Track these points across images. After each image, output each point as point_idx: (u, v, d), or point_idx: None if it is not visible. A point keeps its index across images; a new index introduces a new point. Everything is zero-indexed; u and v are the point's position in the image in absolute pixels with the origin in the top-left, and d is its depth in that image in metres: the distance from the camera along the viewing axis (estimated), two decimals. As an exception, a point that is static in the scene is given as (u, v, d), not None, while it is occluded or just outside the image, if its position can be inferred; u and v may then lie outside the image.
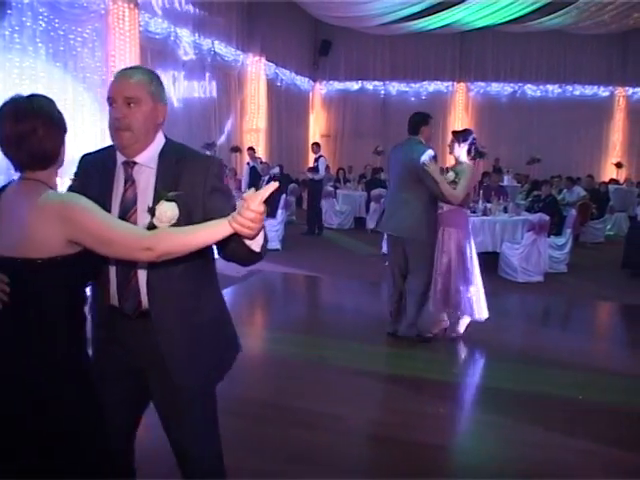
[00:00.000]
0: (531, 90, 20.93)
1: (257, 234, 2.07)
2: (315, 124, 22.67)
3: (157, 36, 12.79)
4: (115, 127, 2.28)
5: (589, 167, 19.35)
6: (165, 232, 2.13)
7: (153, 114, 2.32)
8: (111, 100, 2.28)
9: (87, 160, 2.50)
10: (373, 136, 20.13)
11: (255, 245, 2.17)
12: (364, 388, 5.18)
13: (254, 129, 17.29)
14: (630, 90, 20.69)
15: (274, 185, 1.97)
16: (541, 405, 4.94)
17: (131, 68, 2.43)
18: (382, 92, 21.94)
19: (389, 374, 5.67)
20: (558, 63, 20.23)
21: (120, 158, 2.36)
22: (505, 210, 10.43)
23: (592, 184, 15.47)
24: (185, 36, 13.88)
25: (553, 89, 20.84)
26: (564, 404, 4.97)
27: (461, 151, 6.00)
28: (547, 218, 9.89)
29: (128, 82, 2.28)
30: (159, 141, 2.39)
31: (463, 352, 6.16)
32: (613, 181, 18.83)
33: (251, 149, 14.39)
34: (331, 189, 15.07)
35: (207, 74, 14.99)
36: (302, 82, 21.33)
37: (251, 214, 1.93)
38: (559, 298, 9.08)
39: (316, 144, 14.48)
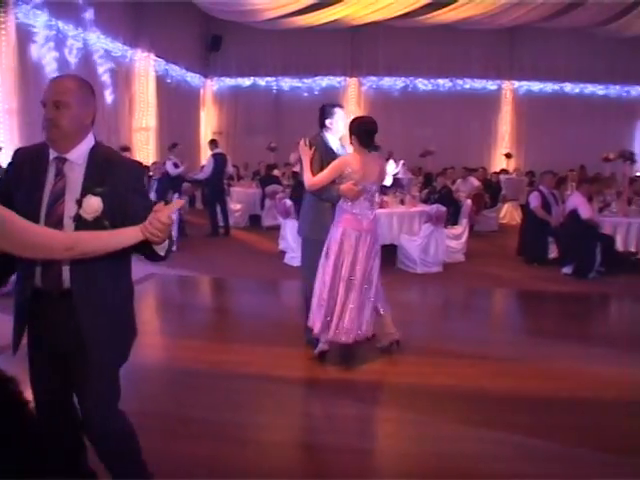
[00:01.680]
0: (422, 84, 21.22)
1: (163, 241, 2.46)
2: (207, 121, 22.23)
3: (34, 29, 12.09)
4: (45, 126, 2.61)
5: (480, 158, 19.82)
6: (84, 234, 2.49)
7: (80, 117, 2.66)
8: (43, 103, 2.62)
9: (21, 153, 2.78)
10: (266, 132, 19.87)
11: (161, 249, 2.57)
12: (273, 394, 4.92)
13: (144, 127, 16.72)
14: (517, 84, 21.36)
15: (181, 202, 2.55)
16: (451, 398, 4.87)
17: (62, 76, 2.88)
18: (275, 88, 21.74)
19: (297, 377, 5.40)
20: (448, 57, 20.56)
21: (52, 154, 2.66)
22: (402, 202, 10.42)
23: (485, 175, 15.81)
24: (69, 30, 13.22)
25: (444, 83, 21.21)
26: (473, 395, 4.93)
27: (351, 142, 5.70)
28: (443, 209, 9.96)
29: (57, 88, 2.64)
30: (89, 141, 2.71)
31: (370, 349, 5.92)
32: (504, 171, 19.43)
33: (125, 149, 13.61)
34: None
35: (94, 70, 14.33)
36: (193, 78, 20.85)
37: (159, 225, 2.33)
38: (459, 287, 9.15)
39: (212, 141, 14.02)
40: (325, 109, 5.90)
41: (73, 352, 2.69)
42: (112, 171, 2.64)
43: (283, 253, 10.35)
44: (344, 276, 5.35)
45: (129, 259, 2.82)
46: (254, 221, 14.49)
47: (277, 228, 11.17)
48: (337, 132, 5.86)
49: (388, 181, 5.84)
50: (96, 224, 2.53)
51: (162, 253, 2.58)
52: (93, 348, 2.66)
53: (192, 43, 20.52)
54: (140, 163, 3.01)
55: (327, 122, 5.82)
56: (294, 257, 9.75)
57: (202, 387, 5.01)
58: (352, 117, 5.68)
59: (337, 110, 5.84)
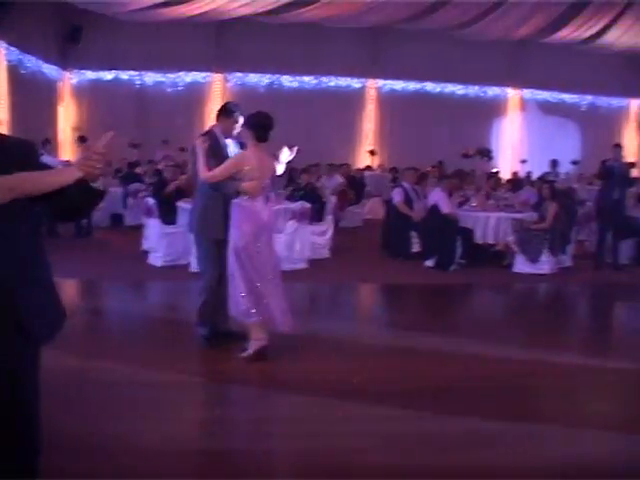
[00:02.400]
0: (288, 81, 21.21)
1: (101, 174, 2.51)
2: (66, 116, 21.26)
3: None
4: None
5: (345, 155, 20.04)
6: (23, 174, 2.40)
7: None
8: None
9: None
10: (129, 128, 19.22)
11: (99, 185, 2.56)
12: (153, 401, 4.70)
13: (-6, 120, 15.75)
14: (380, 82, 21.71)
15: (111, 134, 2.50)
16: (324, 394, 4.87)
17: None
18: (137, 82, 21.07)
19: (173, 381, 5.14)
20: (314, 55, 20.61)
21: None
22: (267, 200, 10.32)
23: (349, 171, 16.00)
24: None
25: (309, 80, 21.28)
26: (344, 390, 4.94)
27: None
28: (308, 206, 9.97)
29: None
30: None
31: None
32: (368, 168, 19.75)
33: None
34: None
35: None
36: (50, 70, 19.84)
37: (96, 156, 2.42)
38: (324, 283, 9.18)
39: (81, 138, 13.31)
40: (227, 107, 5.90)
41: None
42: (14, 152, 2.51)
43: (147, 253, 10.01)
44: (258, 273, 5.34)
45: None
46: (116, 220, 13.93)
47: (140, 227, 10.79)
48: (228, 132, 5.82)
49: (280, 169, 5.79)
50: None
51: (102, 188, 2.60)
52: (27, 323, 2.53)
53: (49, 32, 19.47)
54: (31, 141, 2.79)
55: (224, 120, 5.81)
56: (158, 257, 9.48)
57: (74, 397, 4.70)
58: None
59: (237, 114, 5.78)
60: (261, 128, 5.46)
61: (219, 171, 5.39)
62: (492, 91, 22.67)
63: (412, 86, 21.80)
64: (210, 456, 3.97)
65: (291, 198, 10.93)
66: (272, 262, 5.51)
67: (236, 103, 6.02)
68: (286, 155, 5.73)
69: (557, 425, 4.48)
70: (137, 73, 20.95)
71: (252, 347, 5.48)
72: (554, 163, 17.06)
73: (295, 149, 5.79)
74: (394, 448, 4.06)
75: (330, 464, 3.81)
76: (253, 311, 5.33)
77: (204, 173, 5.43)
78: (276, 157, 5.71)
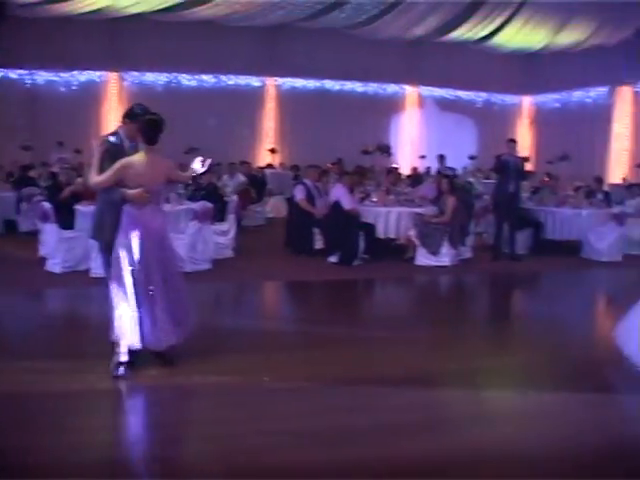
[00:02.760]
0: (186, 80, 20.90)
1: None
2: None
3: None
4: None
5: (246, 154, 19.92)
6: None
7: None
8: None
9: None
10: (20, 130, 18.48)
11: None
12: (57, 411, 4.49)
13: None
14: (280, 80, 21.70)
15: None
16: (231, 393, 4.86)
17: None
18: (29, 82, 20.27)
19: (76, 391, 4.89)
20: (212, 53, 20.33)
21: None
22: (167, 201, 10.09)
23: (250, 170, 15.91)
24: None
25: (208, 79, 21.05)
26: (251, 388, 4.94)
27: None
28: (210, 205, 9.84)
29: None
30: None
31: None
32: (269, 166, 19.70)
33: None
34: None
35: None
36: None
37: None
38: (229, 283, 9.09)
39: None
40: (132, 110, 5.55)
41: None
42: None
43: (44, 260, 9.59)
44: (143, 281, 5.08)
45: None
46: (9, 227, 13.29)
47: (36, 233, 10.34)
48: (132, 136, 5.46)
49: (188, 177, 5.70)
50: None
51: None
52: None
53: None
54: None
55: (128, 123, 5.50)
56: (56, 263, 9.13)
57: None
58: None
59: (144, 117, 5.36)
60: (150, 130, 5.18)
61: (105, 176, 5.11)
62: (391, 88, 23.08)
63: (312, 84, 21.93)
64: (119, 464, 3.84)
65: (192, 198, 10.75)
66: (162, 271, 5.19)
67: (144, 106, 5.57)
68: (198, 165, 5.58)
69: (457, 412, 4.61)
70: (27, 72, 20.11)
71: (117, 360, 5.10)
72: (441, 158, 17.40)
73: (208, 162, 5.64)
74: (306, 444, 4.05)
75: (242, 464, 3.76)
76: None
77: (92, 178, 5.18)
78: (186, 166, 5.56)
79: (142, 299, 5.09)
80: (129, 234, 5.13)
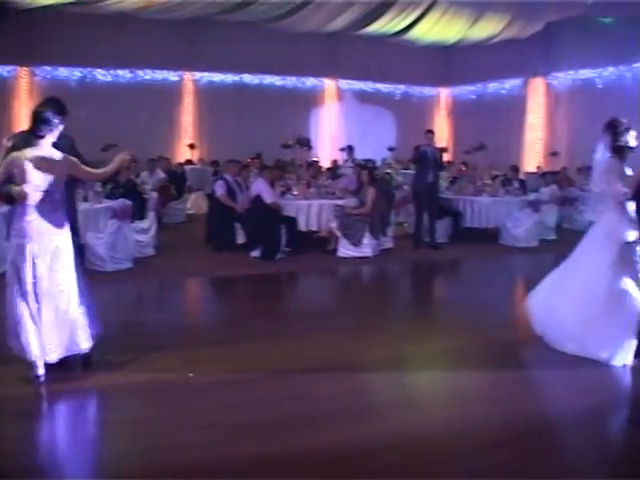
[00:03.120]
0: (101, 75, 20.41)
1: None
2: None
3: None
4: None
5: (165, 150, 19.59)
6: None
7: None
8: None
9: None
10: None
11: None
12: None
13: None
14: (197, 74, 21.43)
15: None
16: (156, 391, 4.81)
17: None
18: None
19: None
20: (128, 47, 19.86)
21: None
22: (85, 199, 9.86)
23: (169, 166, 15.68)
24: None
25: (124, 74, 20.60)
26: (178, 385, 4.91)
27: None
28: (129, 203, 9.66)
29: None
30: None
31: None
32: (188, 162, 19.45)
33: None
34: None
35: None
36: None
37: None
38: (151, 281, 8.95)
39: None
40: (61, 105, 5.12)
41: None
42: None
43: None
44: (29, 289, 4.79)
45: None
46: None
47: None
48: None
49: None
50: None
51: None
52: None
53: None
54: None
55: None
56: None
57: None
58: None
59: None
60: (32, 121, 4.86)
61: None
62: (310, 82, 23.10)
63: (230, 78, 21.72)
64: (41, 466, 3.75)
65: (111, 196, 10.51)
66: (52, 276, 4.86)
67: (62, 102, 5.12)
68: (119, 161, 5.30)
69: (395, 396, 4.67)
70: None
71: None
72: (350, 149, 17.42)
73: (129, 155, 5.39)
74: (235, 438, 4.05)
75: (170, 462, 3.73)
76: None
77: None
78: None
79: (33, 307, 4.82)
80: (12, 237, 4.90)
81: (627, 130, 5.57)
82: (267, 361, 5.44)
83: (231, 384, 4.94)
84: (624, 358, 5.35)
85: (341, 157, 19.78)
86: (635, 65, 18.59)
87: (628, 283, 5.42)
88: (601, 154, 5.65)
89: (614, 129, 5.59)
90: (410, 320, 7.23)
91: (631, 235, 5.48)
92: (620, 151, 5.55)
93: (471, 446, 3.98)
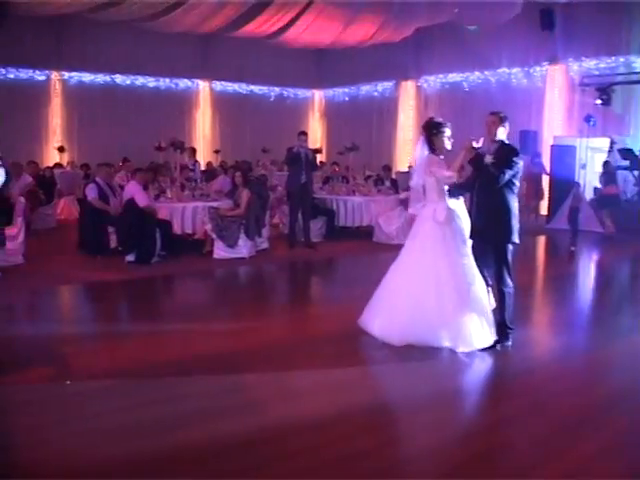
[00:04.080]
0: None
1: None
2: None
3: None
4: None
5: (32, 153, 18.88)
6: None
7: None
8: None
9: None
10: None
11: None
12: None
13: None
14: (66, 74, 20.75)
15: None
16: (39, 400, 4.70)
17: None
18: None
19: None
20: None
21: None
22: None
23: (37, 170, 15.12)
24: None
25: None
26: (57, 394, 4.81)
27: None
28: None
29: None
30: None
31: None
32: (58, 165, 18.79)
33: None
34: None
35: None
36: None
37: None
38: (21, 291, 8.59)
39: None
40: None
41: None
42: None
43: None
44: None
45: None
46: None
47: None
48: None
49: None
50: None
51: None
52: None
53: None
54: None
55: None
56: None
57: None
58: None
59: None
60: None
61: None
62: (183, 83, 22.90)
63: (101, 78, 21.18)
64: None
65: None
66: None
67: None
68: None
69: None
70: None
71: None
72: (192, 151, 16.98)
73: None
74: (118, 441, 4.05)
75: (58, 468, 3.70)
76: None
77: None
78: None
79: None
80: None
81: (443, 129, 5.96)
82: (144, 363, 5.43)
83: (110, 388, 4.92)
84: (466, 345, 5.69)
85: (216, 159, 19.73)
86: (499, 70, 19.59)
87: (465, 270, 5.79)
88: (420, 151, 6.08)
89: (431, 129, 5.99)
90: (285, 317, 7.39)
91: (459, 221, 5.90)
92: (437, 148, 5.97)
93: (338, 434, 4.15)
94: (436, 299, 5.73)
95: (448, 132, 5.99)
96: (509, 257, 5.78)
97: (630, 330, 7.10)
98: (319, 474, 3.65)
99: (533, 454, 3.96)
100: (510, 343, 5.86)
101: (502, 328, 5.84)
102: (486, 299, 5.86)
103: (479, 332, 5.72)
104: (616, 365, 5.87)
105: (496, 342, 5.79)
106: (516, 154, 5.70)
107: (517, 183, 5.80)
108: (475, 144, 5.66)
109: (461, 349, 5.68)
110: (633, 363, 5.90)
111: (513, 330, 5.88)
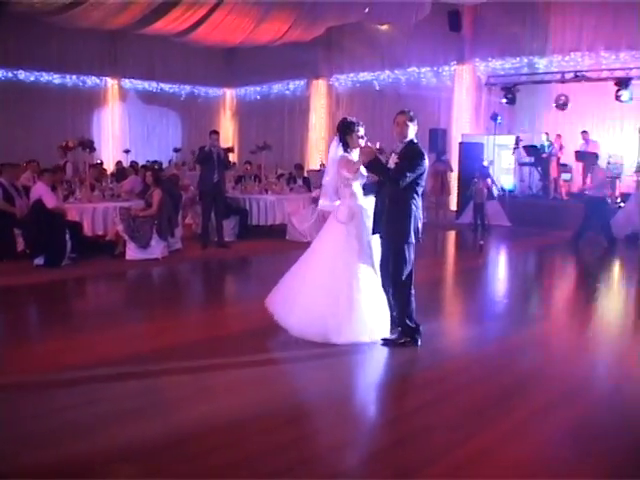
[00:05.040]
0: None
1: None
2: None
3: None
4: None
5: None
6: None
7: None
8: None
9: None
10: None
11: None
12: None
13: None
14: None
15: None
16: None
17: None
18: None
19: None
20: None
21: None
22: None
23: None
24: None
25: None
26: None
27: None
28: None
29: None
30: None
31: None
32: None
33: None
34: None
35: None
36: None
37: None
38: None
39: None
40: None
41: None
42: None
43: None
44: None
45: None
46: None
47: None
48: None
49: None
50: None
51: None
52: None
53: None
54: None
55: None
56: None
57: None
58: None
59: None
60: None
61: None
62: (91, 81, 22.41)
63: (2, 74, 20.45)
64: None
65: None
66: None
67: None
68: None
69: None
70: None
71: None
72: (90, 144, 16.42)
73: None
74: (33, 447, 3.98)
75: None
76: None
77: None
78: None
79: None
80: None
81: (356, 128, 6.11)
82: (54, 366, 5.37)
83: (24, 393, 4.84)
84: (353, 336, 5.86)
85: (126, 159, 19.39)
86: (409, 69, 20.03)
87: (363, 269, 5.96)
88: (334, 150, 6.26)
89: (345, 128, 6.17)
90: (199, 316, 7.38)
91: (367, 221, 6.07)
92: (351, 147, 6.14)
93: (256, 430, 4.22)
94: (329, 295, 5.87)
95: (361, 131, 6.11)
96: (407, 256, 5.85)
97: (535, 319, 7.50)
98: (239, 470, 3.72)
99: (434, 446, 4.11)
100: (417, 339, 5.99)
101: (404, 327, 5.99)
102: (382, 297, 6.02)
103: (368, 328, 5.91)
104: (522, 353, 6.13)
105: (401, 341, 5.97)
106: (421, 157, 5.77)
107: (422, 183, 5.91)
108: (375, 147, 5.86)
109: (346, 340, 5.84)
110: (538, 351, 6.19)
111: (418, 327, 6.01)
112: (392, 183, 5.74)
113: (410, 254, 5.87)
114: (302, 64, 22.43)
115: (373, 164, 5.80)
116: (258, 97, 25.00)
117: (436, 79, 19.64)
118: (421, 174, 5.81)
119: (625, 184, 15.35)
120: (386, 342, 5.97)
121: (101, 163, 17.41)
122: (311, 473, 3.70)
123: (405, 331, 5.99)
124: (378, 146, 5.95)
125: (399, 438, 4.20)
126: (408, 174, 5.67)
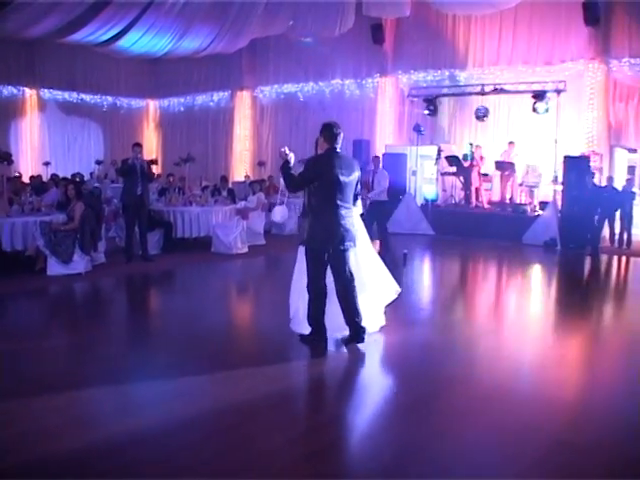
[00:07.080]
0: None
1: None
2: None
3: None
4: None
5: None
6: None
7: None
8: None
9: None
10: None
11: None
12: None
13: None
14: None
15: None
16: None
17: None
18: None
19: None
20: None
21: None
22: None
23: None
24: None
25: None
26: None
27: None
28: None
29: None
30: None
31: None
32: None
33: None
34: None
35: None
36: None
37: None
38: None
39: None
40: None
41: None
42: None
43: None
44: None
45: None
46: None
47: None
48: None
49: None
50: None
51: None
52: None
53: None
54: None
55: None
56: None
57: None
58: None
59: None
60: None
61: None
62: (7, 90, 21.82)
63: None
64: None
65: None
66: None
67: None
68: None
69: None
70: None
71: None
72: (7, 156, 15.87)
73: None
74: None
75: None
76: None
77: None
78: None
79: None
80: None
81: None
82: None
83: None
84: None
85: (46, 171, 18.93)
86: (333, 81, 20.27)
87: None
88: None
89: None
90: (124, 333, 7.34)
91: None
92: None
93: (183, 442, 4.21)
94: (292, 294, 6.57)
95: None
96: (312, 260, 6.16)
97: (460, 322, 7.82)
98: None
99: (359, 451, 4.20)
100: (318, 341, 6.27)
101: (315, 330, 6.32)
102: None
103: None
104: (446, 356, 6.27)
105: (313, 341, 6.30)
106: (310, 164, 6.13)
107: (338, 193, 6.07)
108: (284, 153, 6.17)
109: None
110: (462, 353, 6.35)
111: (321, 332, 6.27)
112: (287, 186, 6.31)
113: (314, 261, 6.17)
114: (226, 76, 22.43)
115: (281, 168, 6.22)
116: (182, 108, 24.83)
117: (359, 91, 19.92)
118: (323, 183, 6.04)
119: (543, 193, 15.88)
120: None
121: (20, 176, 16.94)
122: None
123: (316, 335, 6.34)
124: (287, 151, 6.20)
125: (313, 449, 4.23)
126: (297, 179, 6.14)
